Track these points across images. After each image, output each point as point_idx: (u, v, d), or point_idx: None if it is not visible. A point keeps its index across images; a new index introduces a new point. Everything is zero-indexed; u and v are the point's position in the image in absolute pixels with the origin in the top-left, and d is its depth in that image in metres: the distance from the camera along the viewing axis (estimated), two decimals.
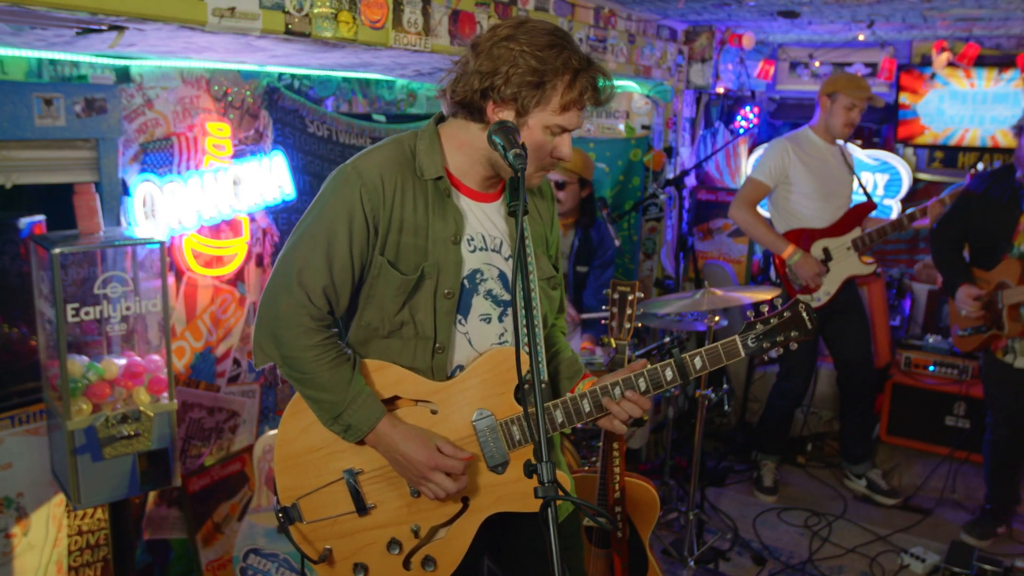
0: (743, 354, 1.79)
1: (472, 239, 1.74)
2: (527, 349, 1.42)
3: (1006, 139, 4.71)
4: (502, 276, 1.78)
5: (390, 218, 1.66)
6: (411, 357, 1.74)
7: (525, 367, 1.43)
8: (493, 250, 1.77)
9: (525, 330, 1.47)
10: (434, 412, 1.74)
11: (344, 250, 1.65)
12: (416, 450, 1.68)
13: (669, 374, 1.76)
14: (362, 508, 1.78)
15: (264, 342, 1.71)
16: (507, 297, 1.79)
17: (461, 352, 1.76)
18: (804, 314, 1.79)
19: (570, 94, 1.61)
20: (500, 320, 1.79)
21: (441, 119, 1.78)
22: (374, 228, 1.66)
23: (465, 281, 1.74)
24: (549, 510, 1.30)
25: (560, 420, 1.76)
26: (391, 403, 1.76)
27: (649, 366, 1.77)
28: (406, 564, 1.78)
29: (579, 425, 1.80)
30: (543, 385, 1.77)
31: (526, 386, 1.48)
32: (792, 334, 1.78)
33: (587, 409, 1.75)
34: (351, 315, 1.79)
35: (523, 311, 1.51)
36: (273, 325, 1.69)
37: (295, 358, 1.68)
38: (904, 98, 4.88)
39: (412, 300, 1.70)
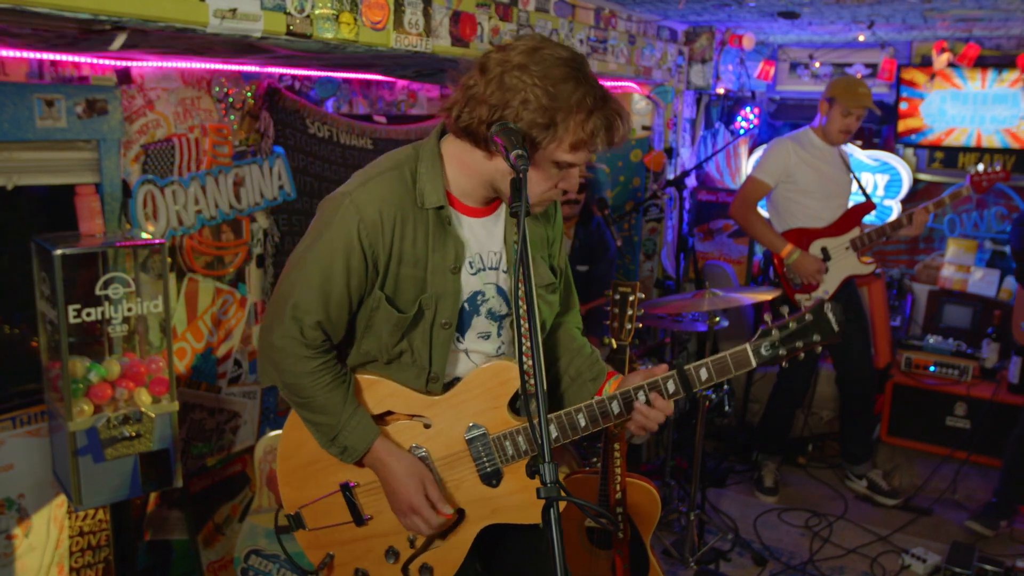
0: (755, 364, 1.67)
1: (473, 262, 1.71)
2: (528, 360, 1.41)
3: (989, 141, 4.71)
4: (500, 291, 1.76)
5: (390, 253, 1.62)
6: (405, 381, 1.75)
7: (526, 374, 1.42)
8: (491, 267, 1.74)
9: (526, 340, 1.47)
10: (427, 426, 1.75)
11: (341, 287, 1.63)
12: (403, 485, 1.69)
13: (671, 386, 1.68)
14: (359, 519, 1.81)
15: (266, 368, 1.75)
16: (505, 311, 1.77)
17: (460, 370, 1.77)
18: (830, 315, 1.67)
19: (581, 134, 1.51)
20: (498, 334, 1.78)
21: (444, 131, 1.72)
22: (373, 264, 1.63)
23: (466, 304, 1.72)
24: (552, 511, 1.30)
25: (555, 435, 1.71)
26: (384, 418, 1.77)
27: (651, 378, 1.70)
28: (404, 571, 1.81)
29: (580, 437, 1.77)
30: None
31: (530, 387, 1.47)
32: (814, 338, 1.67)
33: (583, 424, 1.71)
34: (349, 343, 1.77)
35: (524, 318, 1.49)
36: (270, 354, 1.71)
37: (294, 384, 1.70)
38: (905, 98, 4.87)
39: (411, 332, 1.69)
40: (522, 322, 1.66)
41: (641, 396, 1.69)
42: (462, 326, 1.73)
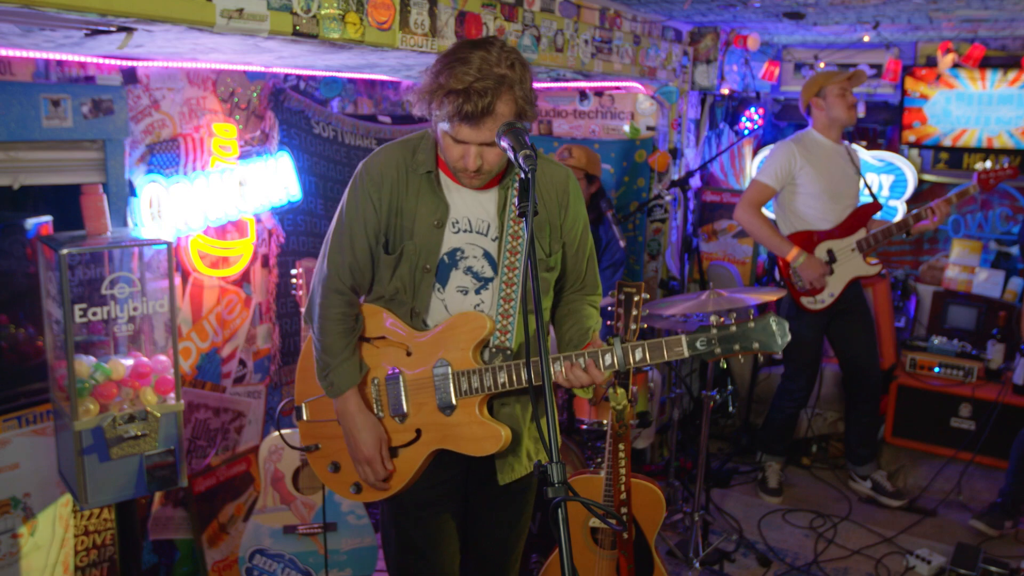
0: (687, 353, 1.81)
1: (457, 222, 1.99)
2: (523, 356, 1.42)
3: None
4: (487, 255, 2.00)
5: (389, 204, 1.97)
6: (399, 316, 2.06)
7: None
8: (479, 232, 2.00)
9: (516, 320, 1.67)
10: (408, 354, 2.04)
11: (361, 234, 1.99)
12: (365, 440, 2.00)
13: (608, 359, 1.85)
14: None
15: (308, 309, 2.11)
16: (489, 275, 2.00)
17: (437, 315, 2.03)
18: (775, 327, 1.76)
19: (445, 110, 1.76)
20: (477, 293, 2.01)
21: None
22: (381, 213, 1.98)
23: (445, 257, 1.99)
24: (559, 511, 1.31)
25: (503, 381, 1.91)
26: (375, 341, 2.09)
27: (592, 348, 1.89)
28: None
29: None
30: (510, 352, 1.97)
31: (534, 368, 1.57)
32: (754, 344, 1.76)
33: (525, 376, 1.88)
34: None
35: (524, 314, 1.61)
36: (311, 297, 2.09)
37: (320, 326, 2.04)
38: (911, 94, 4.87)
39: (399, 271, 2.00)
40: (520, 296, 1.95)
41: (581, 362, 1.88)
42: (442, 277, 2.01)
